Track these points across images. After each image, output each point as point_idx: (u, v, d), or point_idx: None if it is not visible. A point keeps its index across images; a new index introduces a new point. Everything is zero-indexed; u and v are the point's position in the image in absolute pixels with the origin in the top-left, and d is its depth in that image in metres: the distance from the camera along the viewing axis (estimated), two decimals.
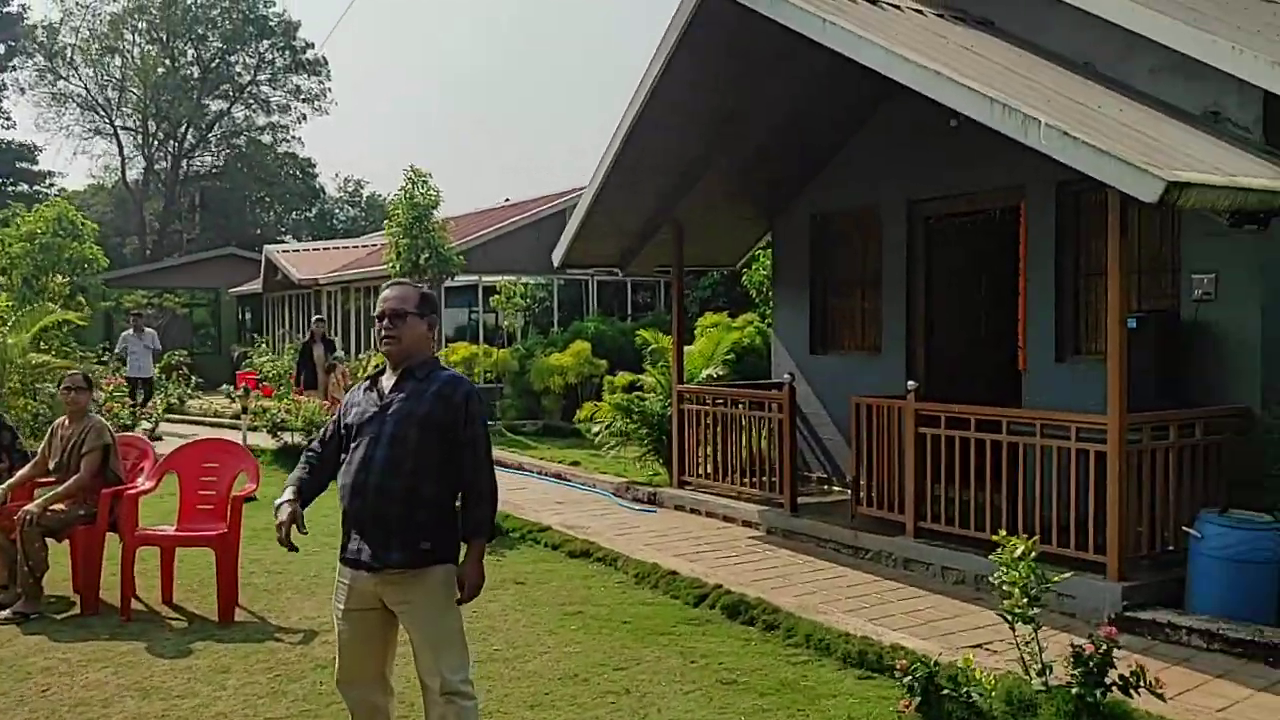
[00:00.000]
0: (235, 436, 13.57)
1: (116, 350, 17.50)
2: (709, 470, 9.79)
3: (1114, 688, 4.23)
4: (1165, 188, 5.33)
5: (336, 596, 3.73)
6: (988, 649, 5.61)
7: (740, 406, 9.50)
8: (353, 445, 3.66)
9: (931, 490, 7.50)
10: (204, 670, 5.37)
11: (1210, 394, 6.91)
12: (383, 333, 3.70)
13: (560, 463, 12.36)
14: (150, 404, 16.15)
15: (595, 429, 11.91)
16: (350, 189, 51.53)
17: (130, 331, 17.21)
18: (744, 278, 15.65)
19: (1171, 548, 6.40)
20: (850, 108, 9.46)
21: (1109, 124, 6.25)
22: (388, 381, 3.74)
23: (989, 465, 7.00)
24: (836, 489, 9.80)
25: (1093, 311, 7.89)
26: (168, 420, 16.59)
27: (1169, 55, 7.01)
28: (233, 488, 6.76)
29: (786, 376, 9.33)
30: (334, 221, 49.33)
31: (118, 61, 43.61)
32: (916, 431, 7.53)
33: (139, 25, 43.48)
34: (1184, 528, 6.25)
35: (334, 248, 28.45)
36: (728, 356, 12.65)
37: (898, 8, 8.13)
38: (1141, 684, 4.22)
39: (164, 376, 19.48)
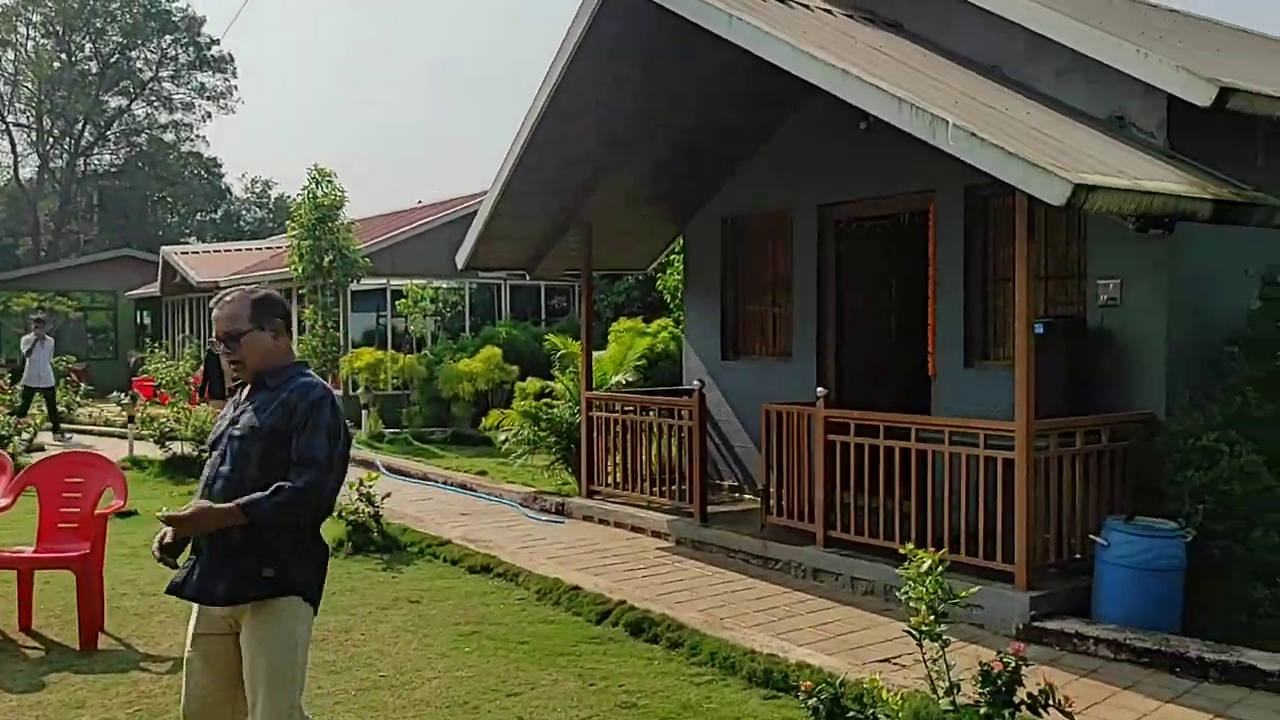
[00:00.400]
0: (123, 446, 12.92)
1: (24, 352, 16.26)
2: (618, 479, 9.52)
3: (1023, 706, 4.08)
4: (1072, 190, 5.24)
5: (190, 621, 3.38)
6: (896, 663, 5.44)
7: (651, 414, 9.25)
8: (206, 464, 3.35)
9: (841, 499, 7.35)
10: (55, 706, 4.91)
11: (1116, 400, 6.88)
12: (227, 359, 3.38)
13: (467, 472, 11.98)
14: (31, 414, 15.18)
15: (503, 437, 11.57)
16: (258, 190, 50.20)
17: (32, 335, 16.15)
18: (659, 282, 15.46)
19: (1079, 555, 6.34)
20: (762, 110, 9.29)
21: (1016, 126, 6.17)
22: (244, 393, 3.42)
23: (898, 473, 6.88)
24: (748, 497, 9.63)
25: (1001, 317, 7.84)
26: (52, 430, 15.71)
27: (1075, 59, 6.99)
28: (98, 504, 6.27)
29: (697, 383, 9.15)
30: (241, 223, 47.94)
31: (10, 55, 41.73)
32: (826, 439, 7.36)
33: (33, 18, 41.69)
34: (1090, 535, 6.19)
35: (237, 249, 27.51)
36: (639, 363, 12.44)
37: (806, 7, 7.98)
38: (1050, 702, 4.08)
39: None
